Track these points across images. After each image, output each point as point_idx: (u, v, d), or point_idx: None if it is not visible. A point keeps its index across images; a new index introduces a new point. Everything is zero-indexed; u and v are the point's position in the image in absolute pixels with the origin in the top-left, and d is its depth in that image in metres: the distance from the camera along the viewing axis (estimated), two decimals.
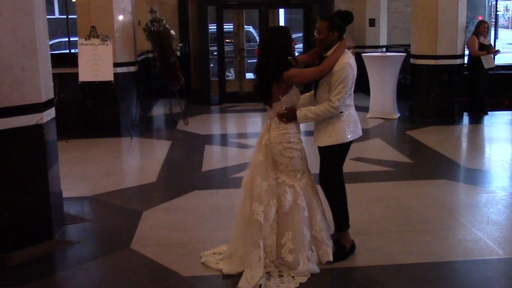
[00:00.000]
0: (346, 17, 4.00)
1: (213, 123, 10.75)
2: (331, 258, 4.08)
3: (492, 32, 13.71)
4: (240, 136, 9.14)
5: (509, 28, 26.09)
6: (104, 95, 8.88)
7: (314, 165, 4.27)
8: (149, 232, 4.92)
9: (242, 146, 8.29)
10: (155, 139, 9.07)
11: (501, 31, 14.87)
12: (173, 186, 6.31)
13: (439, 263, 4.21)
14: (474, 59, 9.81)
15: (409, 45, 12.84)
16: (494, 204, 5.52)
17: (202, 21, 11.88)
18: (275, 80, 3.90)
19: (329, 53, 3.98)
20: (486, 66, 9.66)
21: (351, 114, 4.07)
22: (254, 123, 10.63)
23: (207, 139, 8.97)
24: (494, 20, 14.26)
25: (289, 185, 4.00)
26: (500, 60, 14.42)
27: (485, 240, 4.59)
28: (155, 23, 9.49)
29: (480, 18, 19.83)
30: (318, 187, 4.25)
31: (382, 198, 5.64)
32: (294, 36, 4.12)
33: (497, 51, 9.99)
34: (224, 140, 8.99)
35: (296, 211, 3.98)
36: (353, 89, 4.02)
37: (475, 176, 6.57)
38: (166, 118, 10.54)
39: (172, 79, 9.79)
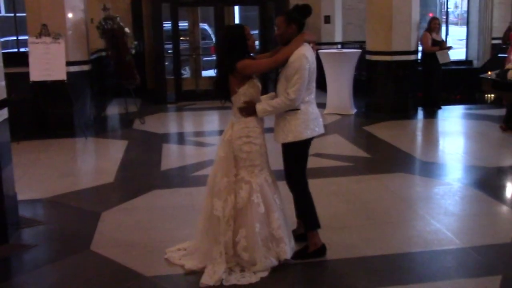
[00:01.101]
0: (304, 10, 3.98)
1: (170, 122, 10.61)
2: (288, 256, 4.04)
3: (444, 28, 14.05)
4: (198, 135, 9.05)
5: (459, 24, 26.79)
6: (56, 95, 8.62)
7: (278, 161, 4.26)
8: (109, 233, 4.81)
9: (200, 144, 8.22)
10: (110, 139, 8.89)
11: (451, 28, 15.23)
12: (132, 186, 6.19)
13: (400, 254, 4.28)
14: (427, 55, 10.02)
15: (363, 42, 13.01)
16: (450, 195, 5.65)
17: (157, 18, 11.73)
18: (230, 70, 3.88)
19: None
20: (441, 61, 9.88)
21: (309, 111, 4.01)
22: (212, 121, 10.57)
23: (165, 138, 8.85)
24: (445, 17, 14.60)
25: (245, 181, 3.97)
26: (450, 56, 14.83)
27: (444, 231, 4.68)
28: (108, 21, 9.31)
29: (430, 14, 20.32)
30: (280, 183, 4.24)
31: (342, 193, 5.69)
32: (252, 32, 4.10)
33: (450, 47, 10.23)
34: (181, 138, 8.90)
35: (249, 208, 3.94)
36: (313, 85, 4.00)
37: (431, 169, 6.69)
38: (122, 118, 10.34)
39: (128, 78, 9.63)
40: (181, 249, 4.29)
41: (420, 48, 10.15)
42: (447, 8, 16.01)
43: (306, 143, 4.08)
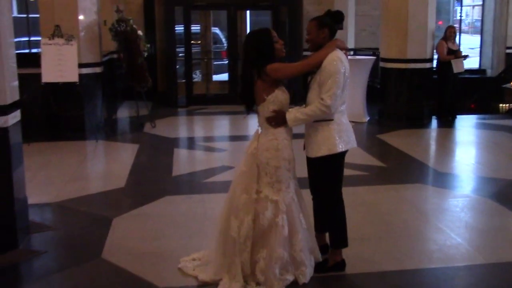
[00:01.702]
0: (336, 16, 3.81)
1: (181, 126, 10.53)
2: (307, 280, 3.83)
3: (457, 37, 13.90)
4: (210, 140, 8.94)
5: (470, 33, 26.60)
6: (68, 97, 8.55)
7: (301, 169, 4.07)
8: (121, 240, 4.70)
9: (212, 149, 8.11)
10: (121, 142, 8.80)
11: (462, 36, 15.07)
12: (143, 191, 6.09)
13: (421, 269, 4.14)
14: (443, 64, 9.88)
15: (377, 48, 12.91)
16: (469, 208, 5.52)
17: (169, 21, 11.65)
18: (259, 74, 3.68)
19: None
20: (455, 70, 9.74)
21: (342, 122, 3.79)
22: (223, 126, 10.48)
23: (176, 142, 8.76)
24: (458, 25, 14.44)
25: (271, 200, 3.73)
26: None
27: (465, 246, 4.54)
28: (121, 23, 9.23)
29: (440, 23, 20.15)
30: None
31: (359, 203, 5.55)
32: None
33: (466, 56, 10.08)
34: (193, 143, 8.78)
35: (274, 230, 3.71)
36: (345, 94, 3.77)
37: (448, 180, 6.56)
38: (132, 121, 10.26)
39: (139, 81, 9.54)
40: (195, 259, 4.15)
41: (435, 57, 10.01)
42: (461, 16, 15.84)
43: (341, 156, 3.83)
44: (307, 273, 3.83)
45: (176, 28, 11.89)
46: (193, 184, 6.42)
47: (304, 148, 3.97)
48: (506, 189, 6.16)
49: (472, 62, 14.68)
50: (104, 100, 9.63)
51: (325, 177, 3.90)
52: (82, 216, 5.36)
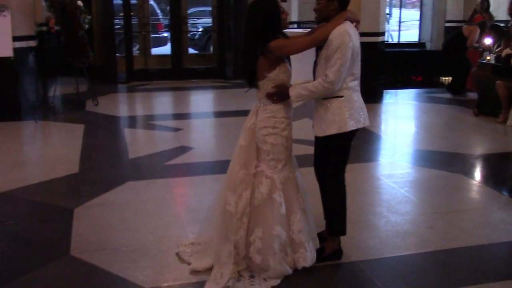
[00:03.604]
0: None
1: (126, 103, 9.94)
2: (307, 264, 3.61)
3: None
4: (161, 118, 8.41)
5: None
6: (2, 73, 7.77)
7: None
8: (89, 234, 4.22)
9: (166, 129, 7.63)
10: (64, 122, 8.12)
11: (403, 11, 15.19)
12: (101, 177, 5.57)
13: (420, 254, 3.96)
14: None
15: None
16: (449, 184, 5.40)
17: None
18: (261, 51, 3.40)
19: None
20: None
21: (353, 98, 3.51)
22: (170, 103, 10.02)
23: (124, 121, 8.23)
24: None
25: (266, 176, 3.54)
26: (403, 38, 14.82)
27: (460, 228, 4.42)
28: None
29: None
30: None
31: None
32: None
33: None
34: (143, 122, 8.25)
35: (270, 206, 3.52)
36: (357, 69, 3.51)
37: (419, 156, 6.45)
38: (72, 98, 9.47)
39: (80, 55, 8.83)
40: (195, 243, 3.89)
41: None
42: None
43: (350, 135, 3.56)
44: (307, 256, 3.59)
45: None
46: (154, 167, 5.95)
47: (313, 127, 3.67)
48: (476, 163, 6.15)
49: (411, 36, 14.88)
50: (40, 77, 8.87)
51: (330, 158, 3.65)
52: (37, 207, 4.83)
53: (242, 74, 3.67)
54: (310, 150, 3.76)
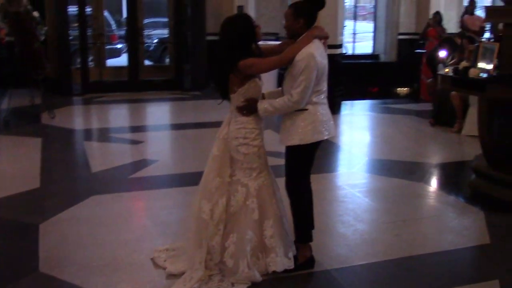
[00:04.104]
0: (317, 3, 3.58)
1: (83, 116, 9.75)
2: (278, 268, 3.70)
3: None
4: (120, 131, 8.29)
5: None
6: None
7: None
8: (57, 250, 4.14)
9: (127, 142, 7.54)
10: (19, 136, 7.85)
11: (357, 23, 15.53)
12: (64, 191, 5.47)
13: (389, 261, 4.07)
14: None
15: (277, 33, 12.88)
16: (410, 194, 5.55)
17: (61, 2, 10.70)
18: (231, 69, 3.53)
19: None
20: None
21: (318, 112, 3.63)
22: (129, 115, 9.90)
23: (83, 134, 8.09)
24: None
25: (242, 184, 3.67)
26: (358, 49, 15.14)
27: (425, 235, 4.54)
28: (13, 2, 8.26)
29: None
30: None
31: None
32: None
33: None
34: (103, 135, 8.11)
35: (244, 212, 3.66)
36: (324, 85, 3.64)
37: (379, 166, 6.60)
38: (26, 111, 9.22)
39: (36, 67, 8.63)
40: (169, 249, 4.00)
41: None
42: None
43: (313, 147, 3.69)
44: (277, 261, 3.68)
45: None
46: (118, 181, 5.86)
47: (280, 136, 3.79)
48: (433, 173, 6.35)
49: (364, 48, 15.22)
50: None
51: (293, 167, 3.77)
52: (0, 223, 4.68)
53: (216, 87, 3.77)
54: (275, 161, 3.84)
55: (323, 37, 3.65)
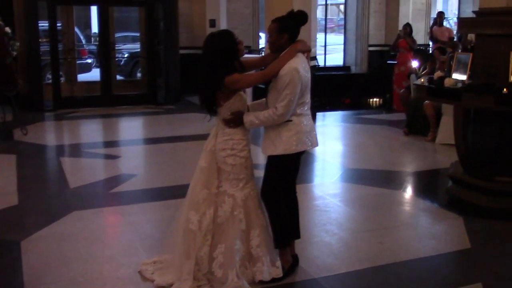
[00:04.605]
0: (299, 18, 3.67)
1: (56, 132, 9.63)
2: (264, 277, 3.75)
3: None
4: (95, 146, 8.20)
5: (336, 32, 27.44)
6: None
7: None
8: (41, 267, 4.07)
9: (104, 157, 7.47)
10: None
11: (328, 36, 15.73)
12: (44, 208, 5.39)
13: (372, 268, 4.12)
14: None
15: (249, 46, 12.99)
16: (395, 203, 5.65)
17: (32, 17, 10.60)
18: (217, 85, 3.59)
19: None
20: None
21: (302, 123, 3.70)
22: (103, 130, 9.79)
23: (57, 150, 7.99)
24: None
25: (229, 194, 3.73)
26: (329, 61, 15.36)
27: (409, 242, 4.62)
28: None
29: None
30: None
31: None
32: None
33: None
34: (78, 150, 8.02)
35: (231, 223, 3.72)
36: (307, 97, 3.71)
37: (358, 176, 6.69)
38: None
39: (7, 83, 8.50)
40: (157, 262, 3.98)
41: None
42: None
43: (295, 156, 3.77)
44: (264, 270, 3.74)
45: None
46: (98, 196, 5.82)
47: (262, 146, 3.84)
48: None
49: (335, 59, 15.46)
50: None
51: (275, 175, 3.79)
52: None
53: (201, 104, 3.79)
54: (255, 172, 3.88)
55: (306, 51, 3.72)
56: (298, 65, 3.57)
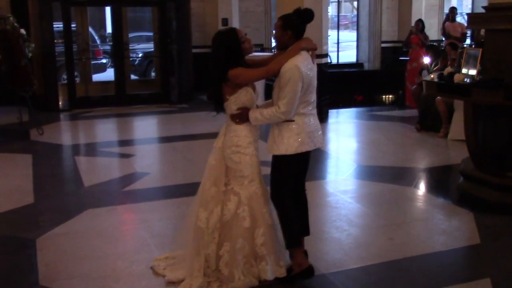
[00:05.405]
0: (304, 15, 3.67)
1: (71, 132, 9.76)
2: (267, 277, 3.77)
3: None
4: (110, 145, 8.32)
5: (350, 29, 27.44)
6: None
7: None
8: (56, 263, 4.17)
9: (117, 155, 7.58)
10: (9, 153, 7.86)
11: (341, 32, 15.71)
12: (59, 206, 5.49)
13: (381, 263, 4.15)
14: None
15: (261, 45, 13.04)
16: (406, 199, 5.66)
17: (47, 18, 10.73)
18: (222, 79, 3.66)
19: None
20: None
21: (305, 123, 3.71)
22: (118, 129, 9.91)
23: (73, 149, 8.09)
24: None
25: (234, 192, 3.76)
26: (342, 59, 15.34)
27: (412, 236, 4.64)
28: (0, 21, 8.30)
29: None
30: None
31: None
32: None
33: None
34: (93, 149, 8.14)
35: (235, 221, 3.76)
36: (311, 97, 3.72)
37: (372, 172, 6.70)
38: (14, 128, 9.22)
39: (23, 84, 8.65)
40: (169, 258, 4.08)
41: None
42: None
43: (299, 157, 3.75)
44: (267, 269, 3.76)
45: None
46: (112, 194, 5.91)
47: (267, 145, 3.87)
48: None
49: (348, 56, 15.43)
50: None
51: (278, 175, 3.82)
52: None
53: (210, 100, 3.86)
54: (264, 170, 3.89)
55: (311, 49, 3.72)
56: (300, 63, 3.58)
